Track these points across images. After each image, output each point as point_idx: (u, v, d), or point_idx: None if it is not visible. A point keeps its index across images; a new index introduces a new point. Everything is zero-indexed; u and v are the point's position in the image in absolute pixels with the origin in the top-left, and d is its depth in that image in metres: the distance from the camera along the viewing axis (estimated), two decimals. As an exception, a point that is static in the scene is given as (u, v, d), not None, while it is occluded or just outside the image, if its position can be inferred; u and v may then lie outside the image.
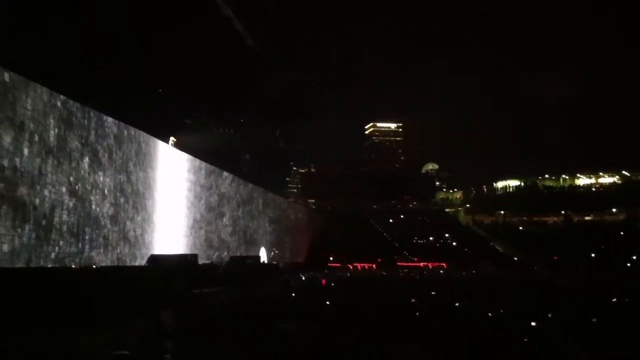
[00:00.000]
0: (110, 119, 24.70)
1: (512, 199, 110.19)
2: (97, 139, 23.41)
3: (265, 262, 44.37)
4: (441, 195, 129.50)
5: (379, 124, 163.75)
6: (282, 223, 60.71)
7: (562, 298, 20.56)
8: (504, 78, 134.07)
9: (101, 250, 23.15)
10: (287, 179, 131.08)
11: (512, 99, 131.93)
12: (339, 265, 66.53)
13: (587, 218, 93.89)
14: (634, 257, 64.93)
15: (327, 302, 16.85)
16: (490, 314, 14.36)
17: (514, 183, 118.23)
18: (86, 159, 22.35)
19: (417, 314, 14.53)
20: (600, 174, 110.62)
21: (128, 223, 26.08)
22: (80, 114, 22.04)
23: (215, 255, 37.34)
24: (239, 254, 41.02)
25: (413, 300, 18.02)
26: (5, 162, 17.18)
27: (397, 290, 25.46)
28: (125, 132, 26.38)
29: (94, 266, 22.01)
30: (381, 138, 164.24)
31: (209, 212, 38.36)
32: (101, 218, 23.38)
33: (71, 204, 20.99)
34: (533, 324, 12.10)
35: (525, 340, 10.42)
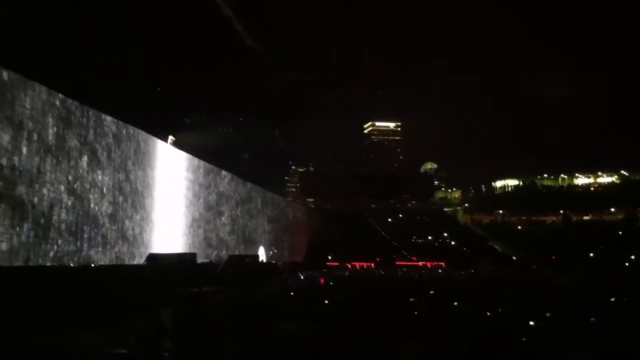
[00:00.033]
0: (109, 118, 24.69)
1: (510, 198, 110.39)
2: (96, 137, 23.40)
3: (264, 261, 44.37)
4: (440, 194, 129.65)
5: (377, 123, 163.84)
6: (281, 222, 60.75)
7: (560, 297, 20.57)
8: (504, 78, 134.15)
9: (100, 249, 23.15)
10: (286, 178, 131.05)
11: (512, 99, 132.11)
12: (337, 264, 66.51)
13: (585, 218, 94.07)
14: (633, 257, 65.03)
15: (326, 302, 16.84)
16: (488, 314, 14.37)
17: (512, 182, 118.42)
18: (85, 158, 22.34)
19: (416, 313, 14.54)
20: (599, 173, 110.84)
21: (127, 222, 26.07)
22: (79, 113, 22.03)
23: (213, 254, 37.34)
24: (237, 253, 41.02)
25: (412, 299, 18.02)
26: (4, 161, 17.17)
27: (395, 290, 25.44)
28: (124, 131, 26.37)
29: (93, 265, 22.00)
30: (380, 137, 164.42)
31: (207, 211, 38.37)
32: (100, 217, 23.37)
33: (70, 203, 20.98)
34: (532, 323, 12.10)
35: (524, 339, 10.42)
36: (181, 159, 34.90)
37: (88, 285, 15.27)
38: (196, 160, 37.16)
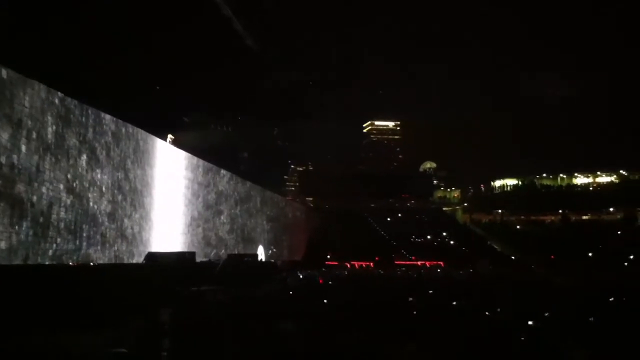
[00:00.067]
0: (108, 117, 24.67)
1: (509, 197, 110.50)
2: (95, 136, 23.39)
3: (263, 260, 44.37)
4: (439, 193, 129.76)
5: (377, 122, 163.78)
6: (280, 221, 60.73)
7: (559, 297, 20.55)
8: (504, 78, 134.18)
9: (98, 247, 23.14)
10: (285, 177, 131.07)
11: (512, 99, 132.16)
12: (336, 263, 66.55)
13: (584, 217, 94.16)
14: (632, 257, 65.05)
15: (325, 301, 16.83)
16: (487, 313, 14.37)
17: (511, 182, 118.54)
18: (84, 157, 22.32)
19: (415, 312, 14.53)
20: (598, 173, 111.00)
21: (126, 220, 26.06)
22: (78, 112, 22.01)
23: (212, 253, 37.33)
24: (236, 252, 41.02)
25: (410, 298, 18.00)
26: (3, 159, 17.15)
27: (394, 289, 25.37)
28: (123, 130, 26.35)
29: (92, 263, 22.00)
30: (379, 136, 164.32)
31: (206, 210, 38.36)
32: (99, 215, 23.36)
33: (69, 201, 20.96)
34: (530, 323, 12.09)
35: (523, 339, 10.42)
36: (180, 157, 34.88)
37: (87, 284, 15.25)
38: (195, 159, 37.14)
